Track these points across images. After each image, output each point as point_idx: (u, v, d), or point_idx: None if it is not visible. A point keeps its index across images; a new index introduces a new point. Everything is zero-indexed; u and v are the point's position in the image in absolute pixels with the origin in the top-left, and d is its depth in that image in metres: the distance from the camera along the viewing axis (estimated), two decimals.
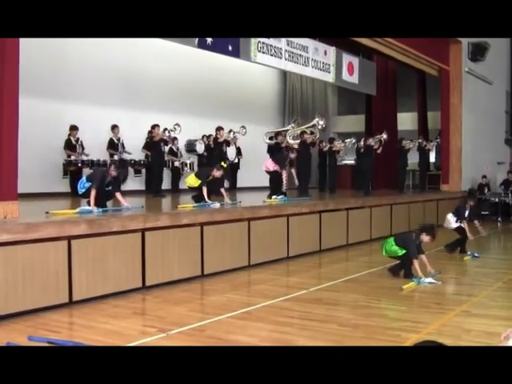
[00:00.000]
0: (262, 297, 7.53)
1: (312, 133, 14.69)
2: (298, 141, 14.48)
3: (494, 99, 22.56)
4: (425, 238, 8.69)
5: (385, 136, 16.06)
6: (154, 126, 13.41)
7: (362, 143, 16.39)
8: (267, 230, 10.16)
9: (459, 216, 11.36)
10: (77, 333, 6.05)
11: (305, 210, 11.31)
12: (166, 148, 14.75)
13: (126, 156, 13.91)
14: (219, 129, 13.67)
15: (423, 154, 18.27)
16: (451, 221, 11.45)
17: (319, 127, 14.45)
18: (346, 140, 17.09)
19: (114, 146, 13.77)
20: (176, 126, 13.88)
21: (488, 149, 21.64)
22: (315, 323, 6.26)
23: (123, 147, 13.98)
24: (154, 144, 13.45)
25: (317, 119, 14.45)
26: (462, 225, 11.31)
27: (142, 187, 14.74)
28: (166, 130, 13.66)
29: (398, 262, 8.81)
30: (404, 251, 8.65)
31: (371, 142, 15.67)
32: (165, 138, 13.67)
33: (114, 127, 13.71)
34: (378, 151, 15.76)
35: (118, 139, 13.81)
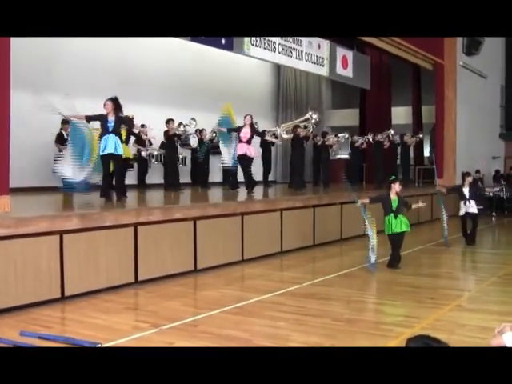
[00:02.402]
0: (256, 291, 7.50)
1: (305, 127, 14.65)
2: (292, 135, 14.45)
3: (489, 93, 22.56)
4: (396, 188, 9.11)
5: (392, 132, 16.67)
6: (169, 121, 13.19)
7: (366, 139, 16.68)
8: (261, 224, 10.12)
9: (462, 197, 11.51)
10: (69, 328, 6.02)
11: (298, 204, 11.28)
12: (158, 142, 14.56)
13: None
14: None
15: (404, 148, 18.35)
16: (460, 207, 11.61)
17: (312, 121, 14.41)
18: (339, 135, 17.09)
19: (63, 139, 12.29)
20: (191, 121, 13.81)
21: (483, 143, 21.64)
22: (309, 318, 6.23)
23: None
24: (169, 138, 13.29)
25: (310, 113, 14.40)
26: (468, 205, 11.40)
27: (135, 181, 14.62)
28: (180, 124, 13.55)
29: None
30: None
31: (380, 137, 16.02)
32: (179, 132, 13.55)
33: (65, 122, 12.13)
34: (385, 147, 16.07)
35: (68, 134, 12.87)
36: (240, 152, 12.25)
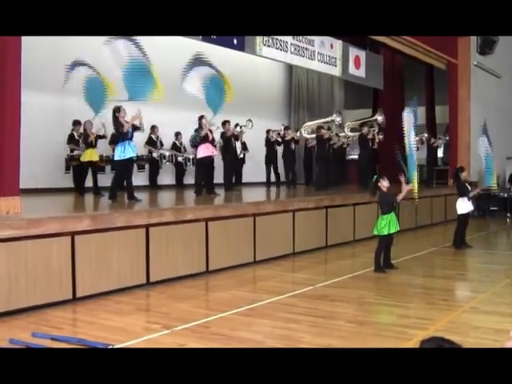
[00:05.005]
0: (268, 293, 7.46)
1: (329, 128, 14.64)
2: (314, 135, 14.45)
3: (503, 93, 22.34)
4: (384, 184, 8.85)
5: (425, 134, 17.36)
6: (225, 122, 13.14)
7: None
8: (273, 225, 10.07)
9: (463, 193, 11.02)
10: (80, 329, 6.01)
11: (311, 205, 11.22)
12: (169, 143, 14.66)
13: None
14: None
15: (431, 150, 18.36)
16: (458, 203, 11.11)
17: (336, 123, 14.43)
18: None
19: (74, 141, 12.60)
20: (248, 122, 13.92)
21: (497, 143, 21.41)
22: (321, 320, 6.18)
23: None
24: (226, 140, 13.33)
25: (334, 115, 14.42)
26: (470, 202, 11.07)
27: (146, 182, 14.63)
28: (237, 125, 13.74)
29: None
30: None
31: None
32: (236, 133, 13.67)
33: (76, 123, 12.55)
34: (417, 150, 16.51)
35: (80, 135, 12.52)
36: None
